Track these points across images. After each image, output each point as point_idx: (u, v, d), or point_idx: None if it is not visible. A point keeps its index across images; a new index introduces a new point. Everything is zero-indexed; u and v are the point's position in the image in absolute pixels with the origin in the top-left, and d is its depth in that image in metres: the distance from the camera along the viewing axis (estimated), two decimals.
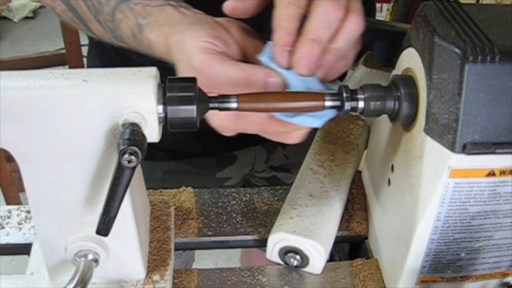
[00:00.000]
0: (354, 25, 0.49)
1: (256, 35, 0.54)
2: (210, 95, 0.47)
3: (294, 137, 0.51)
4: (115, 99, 0.44)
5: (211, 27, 0.51)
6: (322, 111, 0.49)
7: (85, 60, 2.03)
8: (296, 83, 0.49)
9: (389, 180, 0.57)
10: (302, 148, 0.67)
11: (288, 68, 0.49)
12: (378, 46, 0.72)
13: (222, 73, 0.48)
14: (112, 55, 0.71)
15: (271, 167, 0.97)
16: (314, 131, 0.73)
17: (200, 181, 0.90)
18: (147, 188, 0.63)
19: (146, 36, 0.54)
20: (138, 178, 0.56)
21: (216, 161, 0.91)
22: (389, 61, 0.54)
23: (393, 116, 0.51)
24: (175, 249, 0.61)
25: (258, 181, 1.01)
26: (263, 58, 0.50)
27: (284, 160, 0.95)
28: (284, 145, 0.95)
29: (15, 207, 0.66)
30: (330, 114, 0.49)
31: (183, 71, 0.51)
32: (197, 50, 0.49)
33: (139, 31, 0.55)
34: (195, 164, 0.90)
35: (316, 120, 0.48)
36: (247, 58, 0.52)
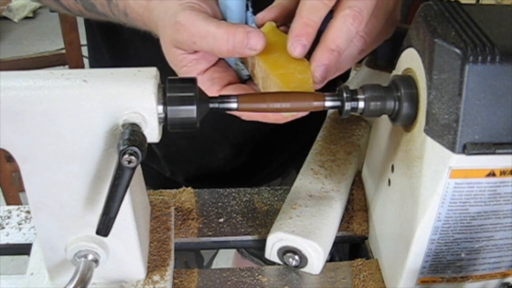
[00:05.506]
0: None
1: None
2: (189, 52, 0.50)
3: None
4: (115, 99, 0.44)
5: None
6: None
7: (85, 60, 2.03)
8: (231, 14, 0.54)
9: (389, 180, 0.57)
10: None
11: None
12: (382, 47, 0.72)
13: (203, 27, 0.49)
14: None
15: None
16: (316, 132, 0.73)
17: None
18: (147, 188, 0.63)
19: None
20: (138, 178, 0.56)
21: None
22: (393, 62, 0.54)
23: (393, 117, 0.51)
24: (175, 250, 0.61)
25: None
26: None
27: None
28: None
29: (15, 207, 0.66)
30: None
31: (164, 29, 0.52)
32: (183, 7, 0.51)
33: None
34: None
35: None
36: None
